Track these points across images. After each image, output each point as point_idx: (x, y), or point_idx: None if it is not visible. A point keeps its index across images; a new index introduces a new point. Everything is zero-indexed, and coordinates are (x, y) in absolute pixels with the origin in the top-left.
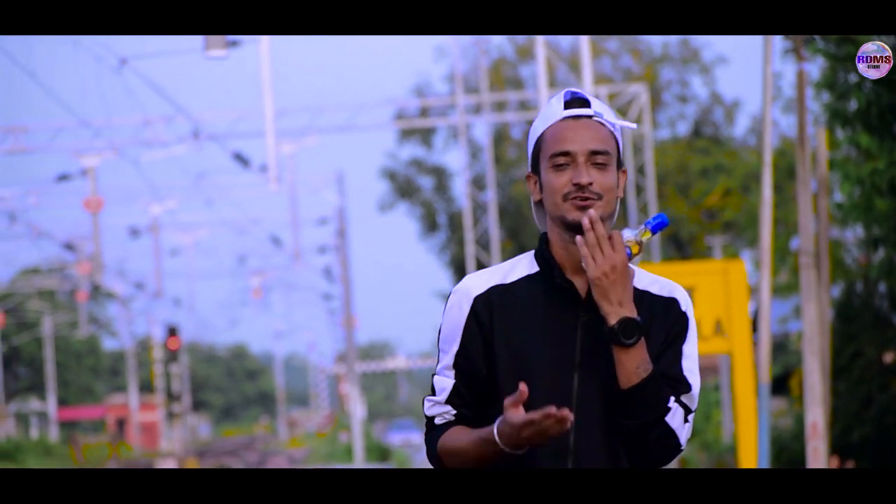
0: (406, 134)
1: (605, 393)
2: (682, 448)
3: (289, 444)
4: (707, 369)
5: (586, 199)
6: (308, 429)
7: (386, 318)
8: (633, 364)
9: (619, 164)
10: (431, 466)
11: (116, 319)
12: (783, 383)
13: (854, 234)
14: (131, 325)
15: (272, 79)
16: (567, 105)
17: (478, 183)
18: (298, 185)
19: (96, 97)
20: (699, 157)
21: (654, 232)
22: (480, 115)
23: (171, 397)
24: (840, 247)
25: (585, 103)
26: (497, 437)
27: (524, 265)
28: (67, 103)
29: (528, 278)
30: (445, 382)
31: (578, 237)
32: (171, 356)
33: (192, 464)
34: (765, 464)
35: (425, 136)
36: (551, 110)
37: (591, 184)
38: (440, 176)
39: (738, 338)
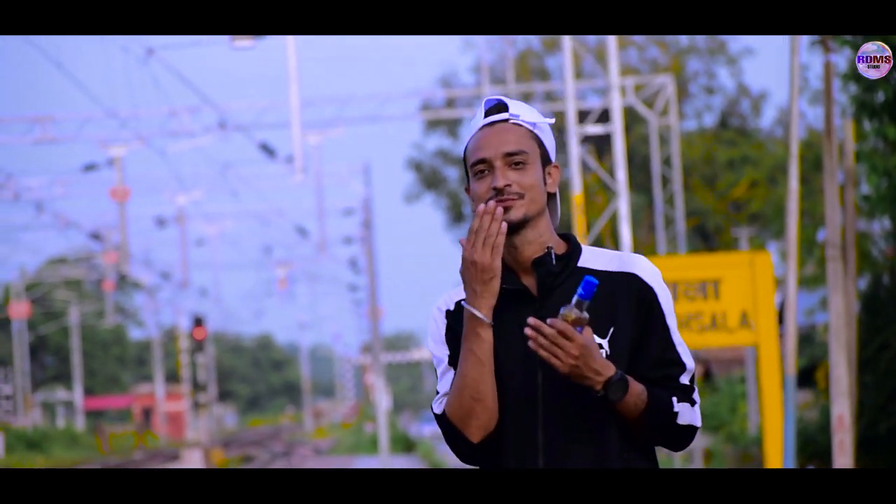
0: (432, 125)
1: (569, 386)
2: (699, 425)
3: (314, 434)
4: (733, 361)
5: (506, 200)
6: (333, 419)
7: (411, 308)
8: (631, 404)
9: (547, 161)
10: (461, 461)
11: (143, 309)
12: (809, 375)
13: (881, 226)
14: (157, 315)
15: (299, 69)
16: (486, 114)
17: None
18: (324, 175)
19: (123, 87)
20: (726, 148)
21: (587, 298)
22: None
23: (197, 387)
24: (867, 239)
25: (503, 108)
26: (464, 296)
27: None
28: (94, 93)
29: None
30: (447, 381)
31: (531, 343)
32: (198, 346)
33: (218, 454)
34: (790, 456)
35: (451, 127)
36: (474, 122)
37: (508, 185)
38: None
39: (765, 330)
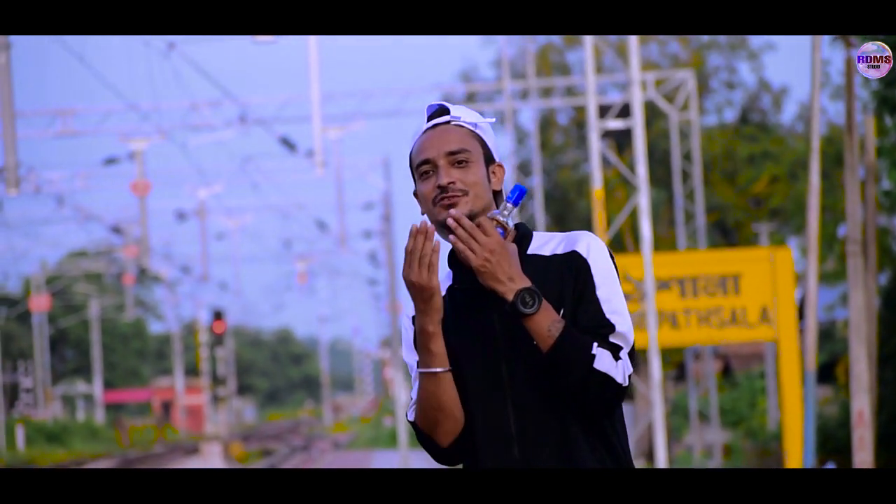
0: None
1: (534, 376)
2: (624, 385)
3: (333, 428)
4: (752, 356)
5: (451, 197)
6: (353, 413)
7: None
8: (544, 327)
9: (490, 160)
10: (436, 462)
11: (163, 303)
12: (829, 371)
13: None
14: (177, 309)
15: (319, 64)
16: (428, 119)
17: (524, 169)
18: (344, 169)
19: (144, 81)
20: (746, 143)
21: (515, 204)
22: (527, 101)
23: (217, 381)
24: (887, 234)
25: (444, 111)
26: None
27: (446, 278)
28: (116, 87)
29: (449, 289)
30: (415, 388)
31: (451, 237)
32: (217, 340)
33: (237, 448)
34: (810, 452)
35: None
36: (417, 127)
37: (452, 183)
38: None
39: (785, 325)
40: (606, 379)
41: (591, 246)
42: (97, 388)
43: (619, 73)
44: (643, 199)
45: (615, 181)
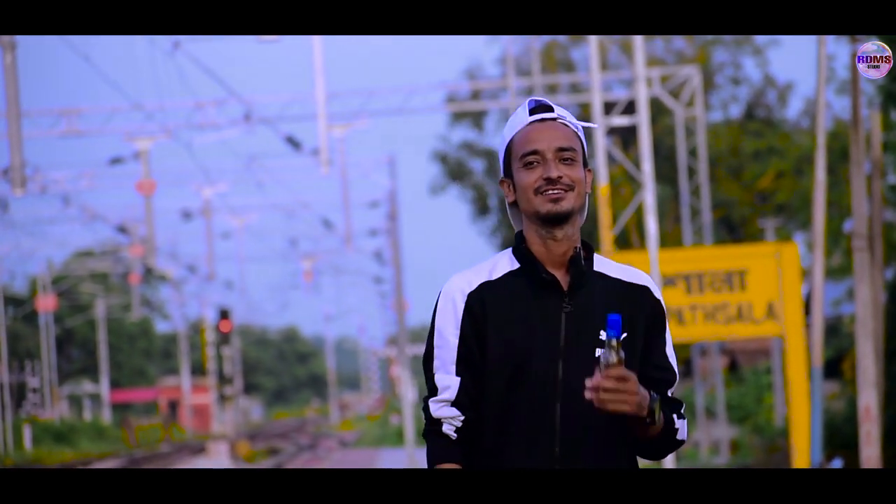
0: (457, 117)
1: (587, 378)
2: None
3: (340, 426)
4: (759, 352)
5: (559, 190)
6: (359, 411)
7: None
8: (657, 427)
9: (585, 164)
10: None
11: (169, 302)
12: (836, 366)
13: None
14: (183, 308)
15: (324, 62)
16: (532, 112)
17: None
18: (350, 168)
19: (149, 80)
20: (752, 139)
21: (619, 336)
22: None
23: (223, 380)
24: (894, 229)
25: (549, 108)
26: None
27: (505, 262)
28: (121, 86)
29: (511, 274)
30: (450, 380)
31: (601, 396)
32: (223, 339)
33: (244, 447)
34: (817, 447)
35: (477, 119)
36: (518, 118)
37: (560, 177)
38: (491, 159)
39: (791, 321)
40: (681, 443)
41: (659, 292)
42: (104, 387)
43: (624, 70)
44: (649, 196)
45: (621, 178)
